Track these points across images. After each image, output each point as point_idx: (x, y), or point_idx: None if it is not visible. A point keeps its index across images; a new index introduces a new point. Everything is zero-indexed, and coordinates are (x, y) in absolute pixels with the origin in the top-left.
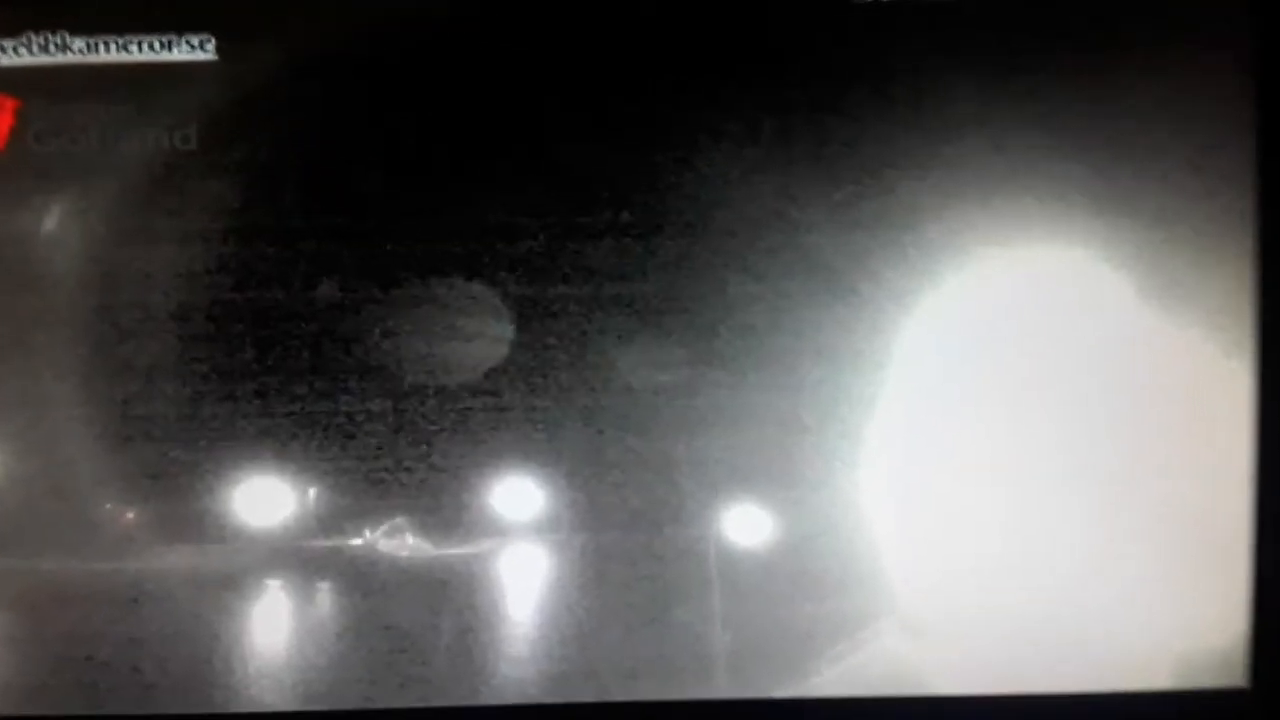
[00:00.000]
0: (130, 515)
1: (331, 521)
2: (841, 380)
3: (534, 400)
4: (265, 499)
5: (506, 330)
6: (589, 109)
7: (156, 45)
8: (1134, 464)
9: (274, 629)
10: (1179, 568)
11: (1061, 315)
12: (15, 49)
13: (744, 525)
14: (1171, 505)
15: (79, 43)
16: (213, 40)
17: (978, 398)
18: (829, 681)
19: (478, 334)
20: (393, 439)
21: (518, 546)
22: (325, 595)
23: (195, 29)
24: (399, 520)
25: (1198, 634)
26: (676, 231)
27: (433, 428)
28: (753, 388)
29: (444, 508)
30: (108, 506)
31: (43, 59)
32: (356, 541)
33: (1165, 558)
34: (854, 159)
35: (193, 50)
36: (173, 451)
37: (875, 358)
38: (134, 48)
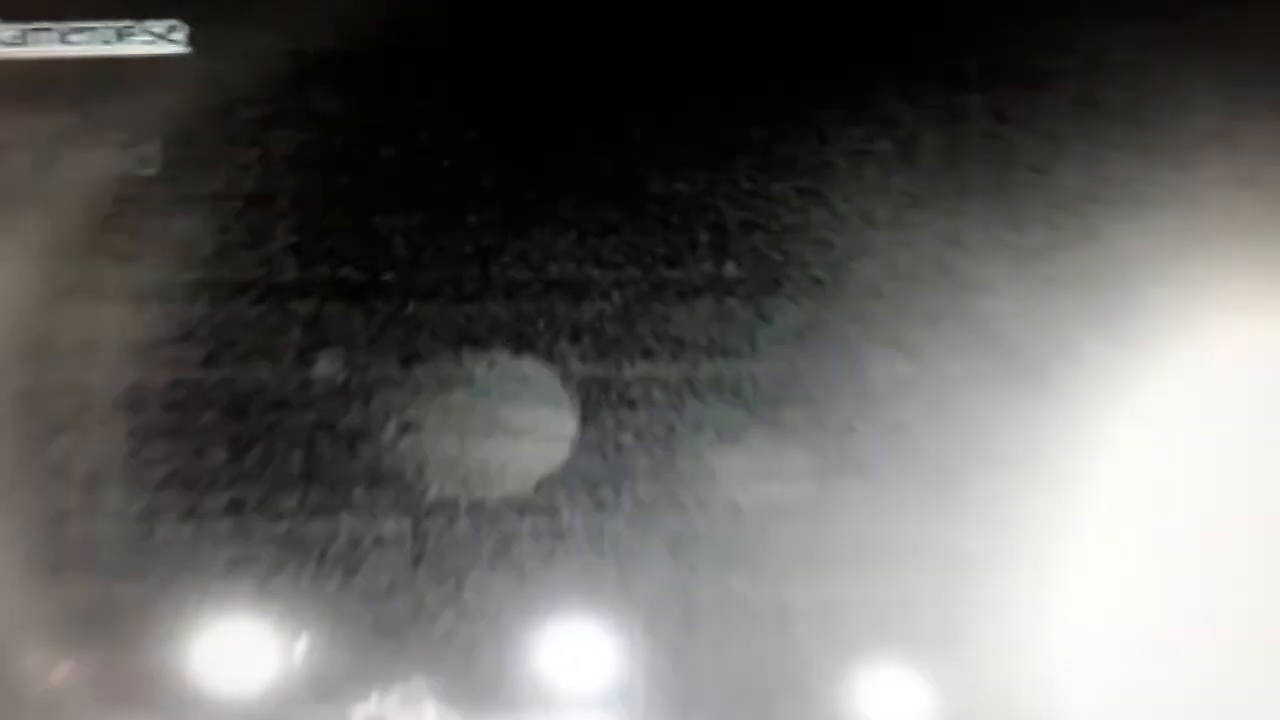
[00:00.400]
0: (63, 673)
1: (328, 683)
2: (1023, 499)
3: (602, 522)
4: (240, 652)
5: (567, 425)
6: (680, 121)
7: (111, 35)
8: None
9: None
10: None
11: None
12: None
13: (888, 700)
14: None
15: (8, 32)
16: (184, 29)
17: (1207, 527)
18: None
19: (529, 430)
20: (410, 572)
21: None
22: None
23: (161, 13)
24: (417, 683)
25: None
26: (799, 290)
27: (464, 558)
28: (901, 508)
29: (478, 668)
30: (30, 661)
31: None
32: (361, 710)
33: None
34: (1047, 190)
35: (157, 40)
36: (118, 587)
37: (1070, 468)
38: (80, 38)
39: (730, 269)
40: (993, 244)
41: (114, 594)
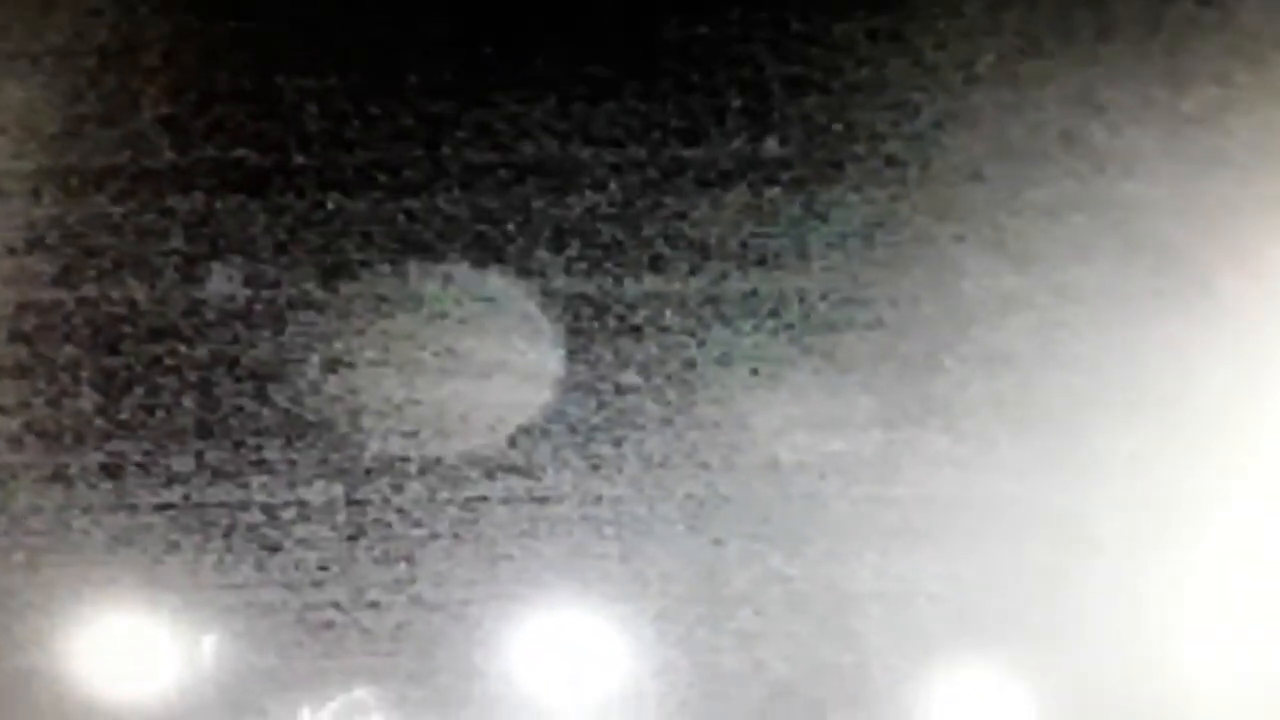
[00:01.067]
0: None
1: (242, 694)
2: (1157, 455)
3: (595, 485)
4: (127, 654)
5: (549, 358)
6: None
7: None
8: None
9: None
10: None
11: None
12: None
13: (969, 711)
14: None
15: None
16: None
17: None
18: None
19: (498, 364)
20: (347, 551)
21: None
22: None
23: None
24: (359, 694)
25: None
26: (867, 175)
27: (418, 532)
28: (997, 465)
29: (438, 673)
30: None
31: None
32: None
33: None
34: (1221, 33)
35: None
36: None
37: (1229, 414)
38: None
39: (771, 146)
40: (1143, 107)
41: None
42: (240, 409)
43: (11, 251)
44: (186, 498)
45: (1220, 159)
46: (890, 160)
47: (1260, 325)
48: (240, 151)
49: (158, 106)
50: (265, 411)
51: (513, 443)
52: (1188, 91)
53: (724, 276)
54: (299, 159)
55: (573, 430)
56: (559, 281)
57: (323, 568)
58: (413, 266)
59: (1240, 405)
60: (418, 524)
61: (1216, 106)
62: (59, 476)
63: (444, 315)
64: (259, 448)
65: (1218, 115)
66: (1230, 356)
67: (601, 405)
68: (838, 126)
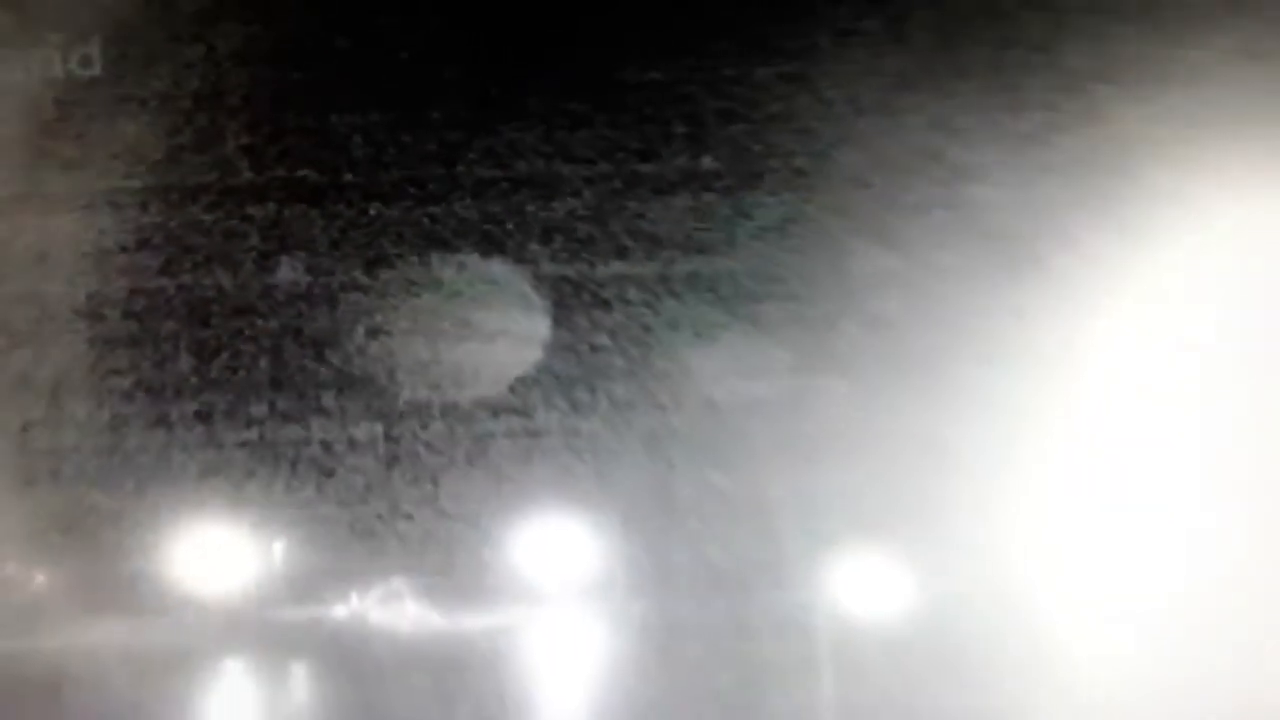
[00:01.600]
0: (39, 580)
1: (307, 585)
2: (1009, 392)
3: (578, 422)
4: (216, 557)
5: (539, 326)
6: (655, 3)
7: None
8: None
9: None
10: None
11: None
12: None
13: (864, 589)
14: None
15: None
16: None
17: (1197, 415)
18: None
19: (500, 331)
20: (385, 475)
21: (556, 618)
22: (301, 681)
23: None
24: (396, 583)
25: None
26: (780, 183)
27: (439, 460)
28: (882, 402)
29: (456, 567)
30: (9, 570)
31: None
32: (341, 611)
33: None
34: (1047, 71)
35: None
36: (90, 497)
37: (1059, 360)
38: None
39: (708, 162)
40: (987, 129)
41: (87, 504)
42: (303, 368)
43: (125, 249)
44: (261, 437)
45: (1048, 168)
46: (798, 172)
47: (1081, 292)
48: (302, 171)
49: (238, 137)
50: (322, 370)
51: (512, 391)
52: (1022, 116)
53: (672, 262)
54: (347, 177)
55: (557, 381)
56: (546, 268)
57: (367, 489)
58: (435, 258)
59: (1069, 354)
60: (439, 454)
61: (1045, 127)
62: (162, 421)
63: (459, 294)
64: (318, 397)
65: (1046, 134)
66: (1059, 316)
67: (579, 361)
68: (758, 147)
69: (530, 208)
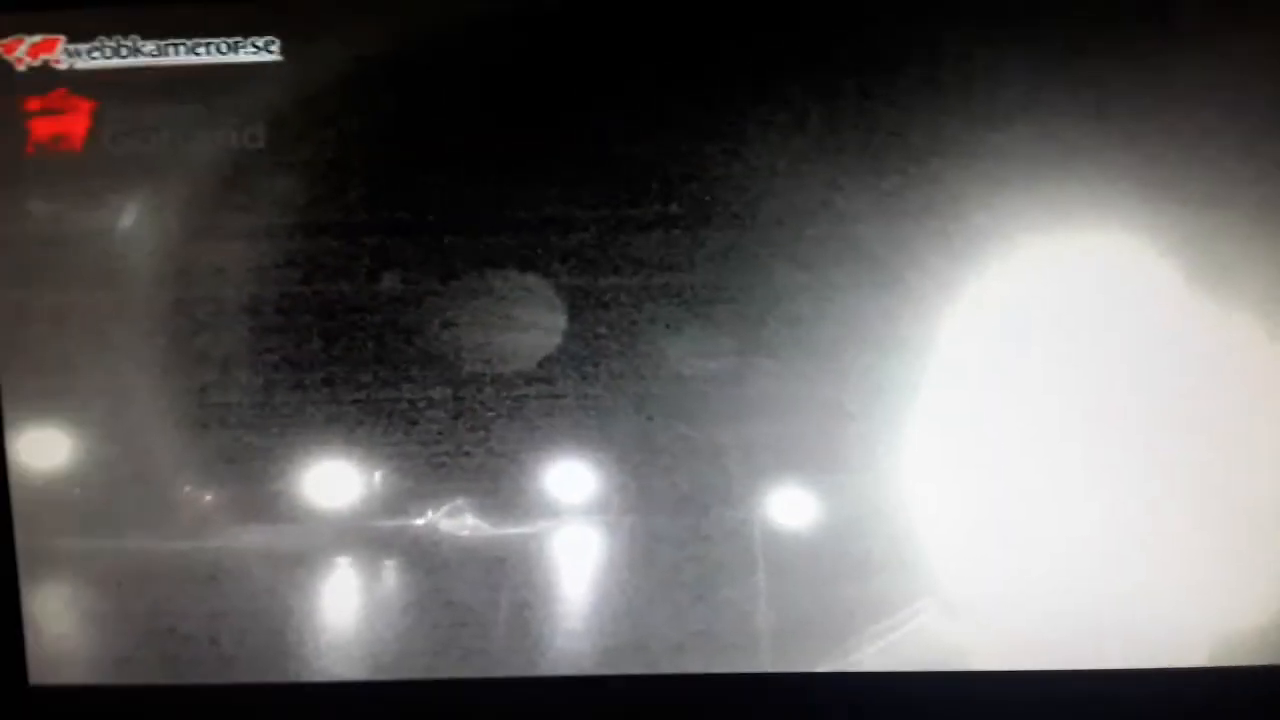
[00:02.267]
0: (208, 497)
1: (396, 503)
2: (886, 367)
3: (586, 388)
4: (334, 482)
5: (560, 320)
6: (639, 104)
7: (224, 48)
8: (1176, 448)
9: (343, 604)
10: (1220, 549)
11: (1107, 300)
12: (90, 53)
13: (788, 508)
14: (1214, 487)
15: (149, 46)
16: (277, 42)
17: (1019, 384)
18: (869, 657)
19: (532, 324)
20: (452, 425)
21: (571, 527)
22: (391, 572)
23: (261, 32)
24: (459, 502)
25: (1235, 614)
26: (724, 223)
27: (490, 414)
28: (799, 375)
29: (501, 490)
30: (187, 489)
31: (116, 62)
32: (420, 521)
33: (1207, 540)
34: (901, 148)
35: (258, 52)
36: (247, 437)
37: (920, 345)
38: (202, 50)
39: (674, 208)
40: (862, 186)
41: (244, 443)
42: (397, 349)
43: (276, 266)
44: (367, 397)
45: (905, 213)
46: (735, 216)
47: (928, 300)
48: (400, 214)
49: (357, 190)
50: (409, 350)
51: (540, 366)
52: (885, 178)
53: (650, 276)
54: (429, 217)
55: (572, 359)
56: (564, 280)
57: (439, 434)
58: (488, 274)
59: (926, 344)
60: (490, 409)
61: (900, 186)
62: (298, 386)
63: (504, 298)
64: (406, 369)
65: (901, 190)
66: (916, 317)
67: (586, 345)
68: (707, 198)
69: (553, 239)
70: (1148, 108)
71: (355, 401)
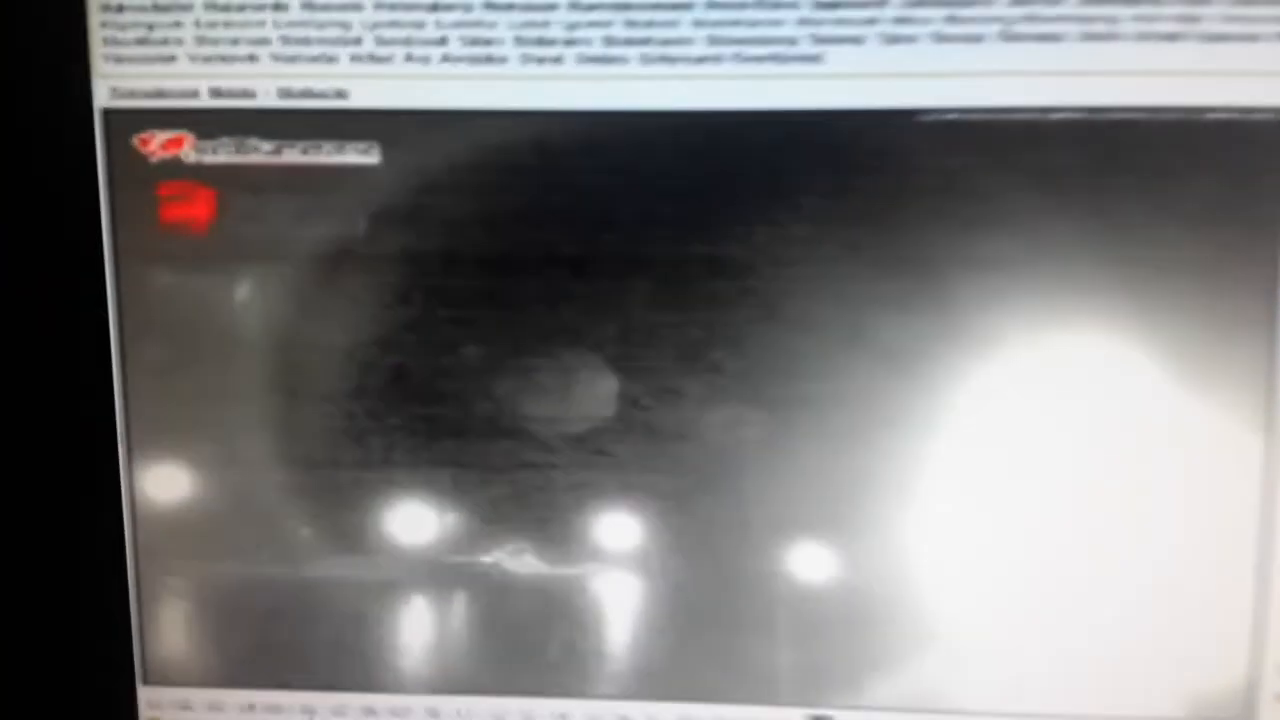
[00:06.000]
0: (307, 529)
1: (468, 543)
2: (903, 442)
3: (630, 449)
4: (411, 521)
5: (613, 389)
6: (683, 210)
7: (329, 150)
8: (1153, 521)
9: (417, 627)
10: (1188, 610)
11: (1092, 387)
12: (215, 150)
13: (808, 563)
14: (1184, 553)
15: (266, 145)
16: (377, 147)
17: (1014, 460)
18: (878, 698)
19: (588, 394)
20: (516, 478)
21: (615, 570)
22: (460, 601)
23: (362, 138)
24: (521, 544)
25: (1202, 670)
26: (753, 314)
27: (551, 470)
28: (822, 446)
29: (557, 537)
30: (290, 523)
31: (237, 158)
32: (486, 558)
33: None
34: (914, 262)
35: (360, 155)
36: (343, 479)
37: (928, 425)
38: (311, 151)
39: (710, 296)
40: (880, 292)
41: (339, 483)
42: (477, 404)
43: (372, 338)
44: (449, 455)
45: (879, 303)
46: (764, 306)
47: (951, 363)
48: (477, 299)
49: (445, 278)
50: (489, 405)
51: (593, 431)
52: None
53: (693, 358)
54: (504, 303)
55: (620, 423)
56: (613, 354)
57: (509, 484)
58: (553, 350)
59: (951, 405)
60: (551, 466)
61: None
62: (390, 443)
63: (567, 371)
64: (483, 429)
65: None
66: (937, 378)
67: (632, 412)
68: (739, 286)
69: (609, 325)
70: (1134, 233)
71: (436, 460)
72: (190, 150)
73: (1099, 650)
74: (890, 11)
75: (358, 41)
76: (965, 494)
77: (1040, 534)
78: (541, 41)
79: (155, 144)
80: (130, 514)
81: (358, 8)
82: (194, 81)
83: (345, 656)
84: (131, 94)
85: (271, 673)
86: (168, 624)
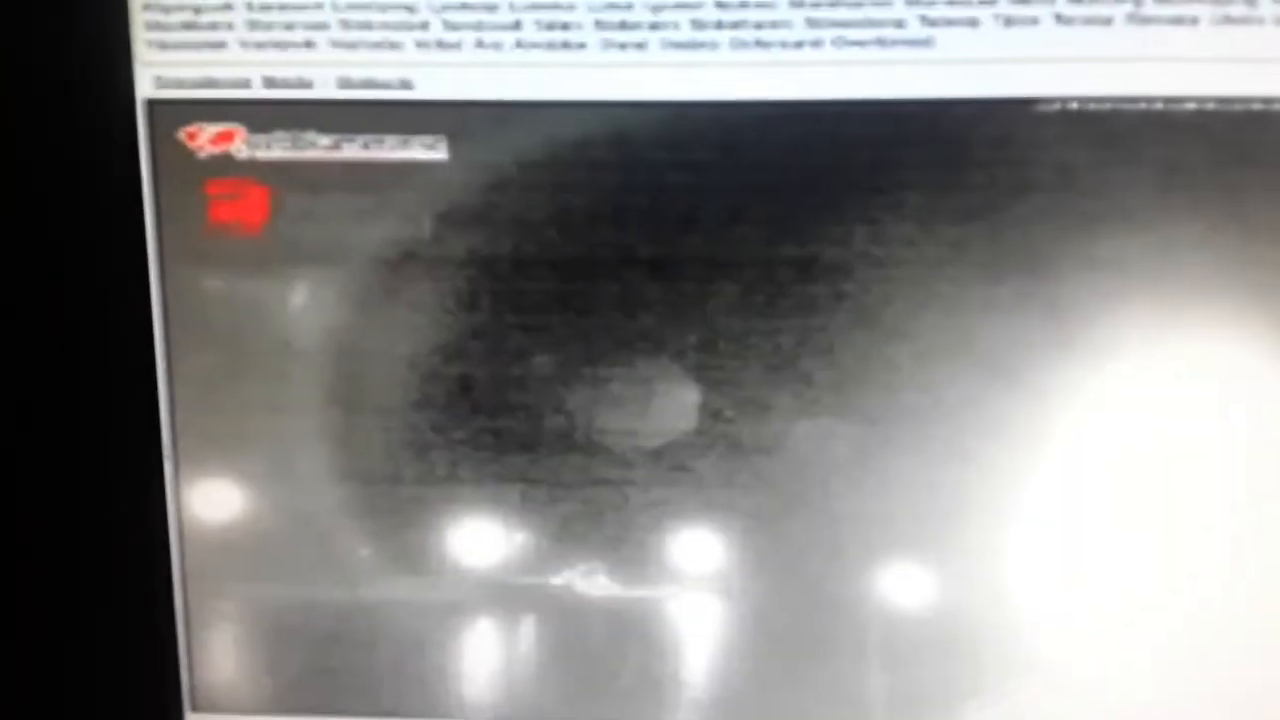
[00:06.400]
0: (364, 550)
1: (536, 562)
2: (1001, 459)
3: (713, 465)
4: (479, 542)
5: (694, 401)
6: (775, 209)
7: (393, 144)
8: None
9: (482, 652)
10: None
11: (1218, 400)
12: (268, 144)
13: (901, 588)
14: None
15: (325, 140)
16: (444, 141)
17: (1129, 479)
18: None
19: (667, 406)
20: (590, 495)
21: (693, 593)
22: (529, 624)
23: (428, 131)
24: (594, 564)
25: None
26: (849, 320)
27: (626, 487)
28: (918, 460)
29: (632, 557)
30: (348, 542)
31: (292, 154)
32: (557, 580)
33: None
34: (1026, 264)
35: (426, 150)
36: (405, 497)
37: (1036, 440)
38: (373, 146)
39: (799, 303)
40: (987, 294)
41: (402, 501)
42: (548, 417)
43: (435, 346)
44: (517, 469)
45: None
46: (859, 310)
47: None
48: (548, 304)
49: (516, 281)
50: (558, 425)
51: (672, 446)
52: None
53: (778, 369)
54: (575, 308)
55: (702, 438)
56: (694, 364)
57: (581, 502)
58: (631, 359)
59: (1057, 418)
60: (628, 483)
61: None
62: (467, 442)
63: (645, 382)
64: (555, 444)
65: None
66: (1046, 389)
67: (715, 426)
68: (830, 293)
69: (689, 334)
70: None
71: (503, 473)
72: (242, 145)
73: (1215, 685)
74: None
75: (424, 26)
76: (1075, 514)
77: (1155, 557)
78: (624, 25)
79: (204, 138)
80: (178, 533)
81: None
82: (246, 70)
83: (405, 682)
84: (178, 83)
85: (327, 699)
86: (217, 648)
